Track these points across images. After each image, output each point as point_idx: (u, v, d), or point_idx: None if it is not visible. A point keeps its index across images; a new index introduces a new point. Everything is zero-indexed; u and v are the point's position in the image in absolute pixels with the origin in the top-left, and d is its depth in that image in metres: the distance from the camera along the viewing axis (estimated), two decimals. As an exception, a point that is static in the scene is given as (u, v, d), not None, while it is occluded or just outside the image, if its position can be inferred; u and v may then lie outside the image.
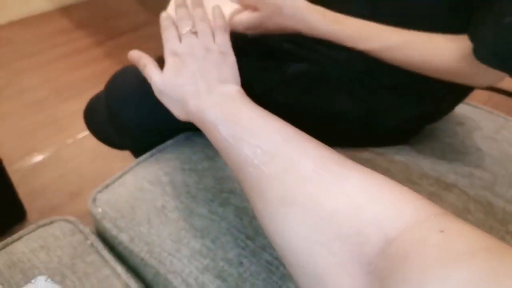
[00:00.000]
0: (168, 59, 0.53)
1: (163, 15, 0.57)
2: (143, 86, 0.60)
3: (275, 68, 0.63)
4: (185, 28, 0.55)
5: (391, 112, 0.63)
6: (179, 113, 0.51)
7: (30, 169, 1.37)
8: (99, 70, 1.81)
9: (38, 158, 1.41)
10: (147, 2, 2.48)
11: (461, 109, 0.81)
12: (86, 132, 1.53)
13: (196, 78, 0.50)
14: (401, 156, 0.66)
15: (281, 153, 0.37)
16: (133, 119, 0.66)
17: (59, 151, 1.43)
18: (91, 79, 1.78)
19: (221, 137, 0.42)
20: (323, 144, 0.38)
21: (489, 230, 0.55)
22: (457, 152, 0.68)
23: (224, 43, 0.55)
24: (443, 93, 0.61)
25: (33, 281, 0.49)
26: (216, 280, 0.49)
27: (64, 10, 2.37)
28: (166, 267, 0.52)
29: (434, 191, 0.60)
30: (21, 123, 1.55)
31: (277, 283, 0.48)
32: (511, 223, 0.56)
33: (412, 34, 0.55)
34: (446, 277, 0.21)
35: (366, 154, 0.67)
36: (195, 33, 0.55)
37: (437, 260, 0.23)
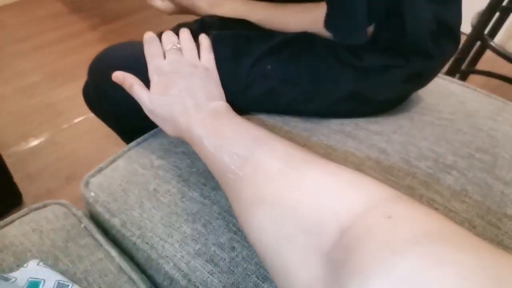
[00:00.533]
0: (154, 77, 0.55)
1: (148, 32, 0.60)
2: (129, 64, 0.62)
3: (261, 38, 0.64)
4: (169, 44, 0.58)
5: (379, 75, 0.63)
6: (170, 131, 0.53)
7: (25, 153, 1.36)
8: (93, 55, 1.78)
9: (34, 142, 1.40)
10: (142, -16, 2.44)
11: (460, 91, 0.80)
12: (81, 117, 1.52)
13: (184, 96, 0.51)
14: (399, 135, 0.65)
15: (252, 156, 0.39)
16: (121, 99, 0.65)
17: (54, 136, 1.42)
18: (85, 64, 1.74)
19: (206, 149, 0.45)
20: (294, 144, 0.40)
21: (486, 213, 0.54)
22: (457, 132, 0.67)
23: (209, 60, 0.59)
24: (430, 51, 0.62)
25: (25, 265, 0.49)
26: (207, 265, 0.48)
27: (58, -7, 2.33)
28: (157, 251, 0.51)
29: (432, 173, 0.59)
30: (15, 108, 1.54)
31: (270, 266, 0.48)
32: (509, 206, 0.56)
33: (272, 9, 0.64)
34: (390, 269, 0.22)
35: (362, 132, 0.66)
36: (179, 49, 0.58)
37: (382, 250, 0.23)
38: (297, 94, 0.64)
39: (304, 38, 0.62)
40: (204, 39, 0.62)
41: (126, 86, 0.56)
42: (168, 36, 0.60)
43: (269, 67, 0.62)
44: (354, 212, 0.28)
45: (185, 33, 0.62)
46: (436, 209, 0.55)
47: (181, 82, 0.52)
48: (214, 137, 0.45)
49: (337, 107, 0.66)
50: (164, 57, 0.57)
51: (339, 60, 0.62)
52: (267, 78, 0.62)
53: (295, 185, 0.34)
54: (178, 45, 0.58)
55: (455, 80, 0.86)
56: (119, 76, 0.56)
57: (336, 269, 0.26)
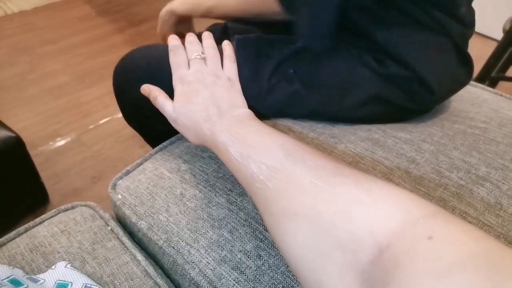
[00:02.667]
0: (178, 86, 0.55)
1: (172, 38, 0.61)
2: (150, 68, 0.65)
3: (283, 42, 0.64)
4: (194, 53, 0.58)
5: (400, 83, 0.62)
6: (193, 139, 0.53)
7: (52, 153, 1.39)
8: (120, 57, 1.81)
9: (61, 142, 1.43)
10: (168, -13, 2.47)
11: (493, 99, 0.77)
12: (107, 118, 1.55)
13: (207, 104, 0.51)
14: (429, 144, 0.64)
15: (282, 167, 0.38)
16: (142, 102, 0.67)
17: (81, 136, 1.45)
18: (112, 65, 1.78)
19: (232, 157, 0.44)
20: (323, 154, 0.40)
21: (521, 227, 0.52)
22: (490, 142, 0.65)
23: (232, 70, 0.59)
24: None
25: (53, 267, 0.50)
26: (233, 272, 0.48)
27: (87, -4, 2.39)
28: (183, 257, 0.51)
29: (464, 184, 0.57)
30: (44, 108, 1.58)
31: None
32: (544, 220, 0.54)
33: None
34: None
35: (390, 140, 0.64)
36: (203, 58, 0.59)
37: (427, 273, 0.23)
38: (320, 98, 0.63)
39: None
40: (227, 46, 0.62)
41: (151, 98, 0.57)
42: (193, 44, 0.60)
43: (292, 70, 0.62)
44: (392, 229, 0.28)
45: (208, 39, 0.62)
46: (469, 222, 0.53)
47: (204, 91, 0.53)
48: (240, 144, 0.44)
49: (361, 111, 0.65)
50: (189, 66, 0.58)
51: (362, 63, 0.61)
52: (290, 82, 0.62)
53: (327, 199, 0.33)
54: (202, 54, 0.59)
55: (487, 87, 0.83)
56: (145, 89, 0.58)
57: None
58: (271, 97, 0.63)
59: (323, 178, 0.35)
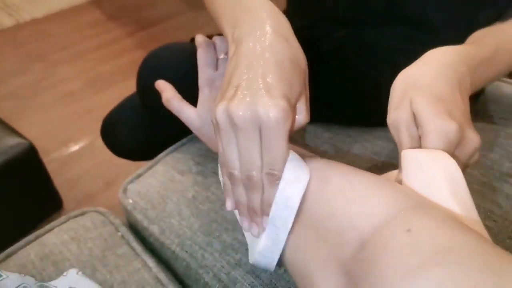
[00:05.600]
0: (205, 90, 0.50)
1: (199, 36, 0.54)
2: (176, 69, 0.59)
3: (309, 43, 0.61)
4: (222, 53, 0.53)
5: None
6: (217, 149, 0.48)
7: (66, 159, 1.39)
8: (131, 61, 1.82)
9: (73, 148, 1.44)
10: (177, -9, 2.48)
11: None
12: (119, 122, 1.53)
13: None
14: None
15: None
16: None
17: (93, 141, 1.45)
18: (124, 69, 1.79)
19: None
20: (315, 155, 0.40)
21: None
22: (511, 136, 0.62)
23: None
24: None
25: (64, 274, 0.49)
26: (248, 276, 0.46)
27: (96, 2, 2.41)
28: (197, 261, 0.50)
29: (487, 182, 0.55)
30: (57, 114, 1.59)
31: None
32: None
33: None
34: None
35: None
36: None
37: (400, 268, 0.24)
38: (348, 101, 0.61)
39: (353, 44, 0.60)
40: None
41: (163, 98, 0.51)
42: (222, 41, 0.54)
43: (319, 73, 0.60)
44: (374, 223, 0.28)
45: None
46: (494, 221, 0.50)
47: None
48: None
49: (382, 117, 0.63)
50: (216, 66, 0.52)
51: (393, 66, 0.59)
52: (315, 83, 0.60)
53: (316, 194, 0.34)
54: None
55: (507, 79, 0.80)
56: (159, 85, 0.52)
57: (354, 282, 0.27)
58: None
59: (314, 173, 0.35)
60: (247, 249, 0.49)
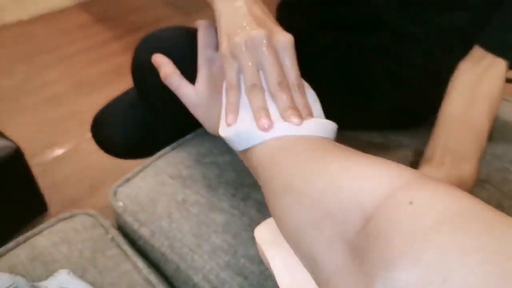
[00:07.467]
0: (204, 69, 0.50)
1: (201, 21, 0.54)
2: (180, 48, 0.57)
3: (304, 40, 0.63)
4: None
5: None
6: (212, 128, 0.49)
7: (51, 162, 1.38)
8: (118, 64, 1.82)
9: (59, 151, 1.43)
10: (165, -4, 2.48)
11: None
12: (106, 126, 1.52)
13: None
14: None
15: (286, 149, 0.39)
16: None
17: (79, 145, 1.44)
18: (110, 73, 1.78)
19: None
20: (323, 139, 0.41)
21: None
22: (488, 145, 0.65)
23: None
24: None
25: (55, 274, 0.49)
26: (237, 278, 0.48)
27: (83, 5, 2.39)
28: (187, 263, 0.51)
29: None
30: (42, 117, 1.57)
31: (301, 280, 0.47)
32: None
33: None
34: (414, 260, 0.22)
35: (378, 139, 0.64)
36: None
37: (404, 240, 0.24)
38: (342, 101, 0.63)
39: (344, 44, 0.62)
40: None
41: (161, 73, 0.51)
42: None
43: (316, 71, 0.61)
44: (377, 197, 0.28)
45: None
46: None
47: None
48: None
49: (381, 119, 0.65)
50: (217, 47, 0.51)
51: (385, 71, 0.61)
52: (312, 82, 0.62)
53: (319, 171, 0.34)
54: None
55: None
56: (157, 59, 0.51)
57: (359, 258, 0.26)
58: None
59: (319, 153, 0.36)
60: (235, 251, 0.50)
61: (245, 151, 0.42)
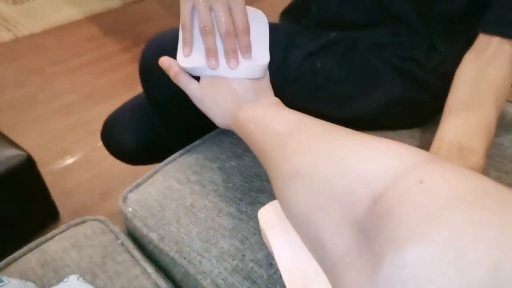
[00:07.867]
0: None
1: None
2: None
3: (310, 36, 0.64)
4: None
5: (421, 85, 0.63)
6: (218, 118, 0.52)
7: (62, 171, 1.40)
8: (126, 75, 1.84)
9: (70, 160, 1.45)
10: (172, 7, 2.51)
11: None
12: (115, 135, 1.54)
13: (235, 85, 0.51)
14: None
15: (295, 133, 0.40)
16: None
17: (89, 154, 1.46)
18: (119, 83, 1.81)
19: (252, 130, 0.45)
20: (330, 123, 0.41)
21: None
22: (499, 146, 0.65)
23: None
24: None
25: (65, 279, 0.50)
26: (245, 282, 0.48)
27: (93, 18, 2.43)
28: (195, 267, 0.51)
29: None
30: (53, 127, 1.60)
31: (309, 284, 0.47)
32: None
33: None
34: (426, 237, 0.22)
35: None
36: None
37: (415, 218, 0.23)
38: (344, 94, 0.64)
39: (349, 39, 0.63)
40: None
41: (171, 73, 0.53)
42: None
43: (319, 64, 0.62)
44: (386, 178, 0.28)
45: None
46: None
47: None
48: (262, 119, 0.46)
49: (384, 111, 0.65)
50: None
51: (387, 64, 0.61)
52: (315, 75, 0.62)
53: (326, 154, 0.34)
54: None
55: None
56: (165, 62, 0.54)
57: (369, 239, 0.26)
58: (295, 86, 0.63)
59: (324, 137, 0.37)
60: (243, 255, 0.50)
61: (253, 135, 0.45)
